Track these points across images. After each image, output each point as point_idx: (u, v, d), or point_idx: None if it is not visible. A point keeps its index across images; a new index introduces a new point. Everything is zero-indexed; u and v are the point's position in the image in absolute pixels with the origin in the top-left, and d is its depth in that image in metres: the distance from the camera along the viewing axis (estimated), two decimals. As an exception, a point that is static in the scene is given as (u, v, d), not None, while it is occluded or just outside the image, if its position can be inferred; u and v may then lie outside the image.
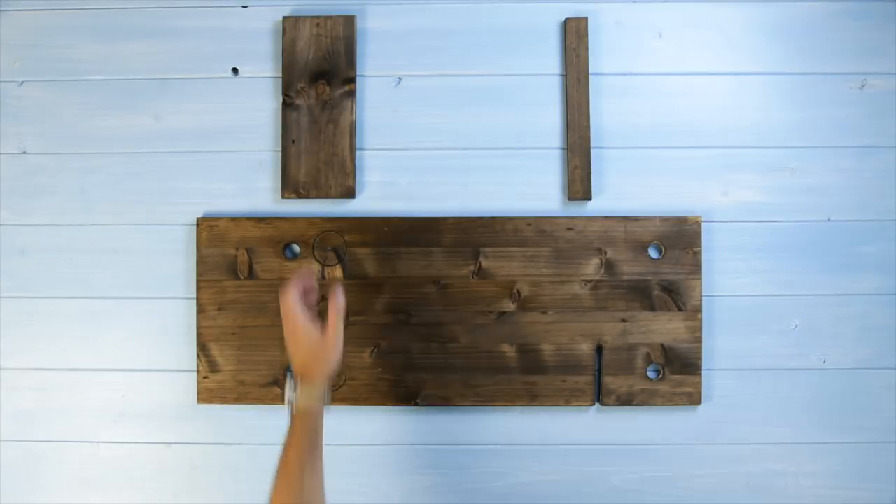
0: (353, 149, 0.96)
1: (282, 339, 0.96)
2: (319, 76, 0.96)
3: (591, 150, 0.97)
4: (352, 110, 0.96)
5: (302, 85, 0.96)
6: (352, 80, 0.96)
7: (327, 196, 0.96)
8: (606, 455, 0.97)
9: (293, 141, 0.96)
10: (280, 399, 0.95)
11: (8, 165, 0.99)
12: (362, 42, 0.98)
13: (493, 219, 0.95)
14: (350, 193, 0.96)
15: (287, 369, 0.94)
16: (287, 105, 0.96)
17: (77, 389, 0.98)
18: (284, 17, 0.96)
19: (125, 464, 0.98)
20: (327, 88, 0.96)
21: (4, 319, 0.99)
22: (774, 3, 0.98)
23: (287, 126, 0.96)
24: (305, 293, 0.81)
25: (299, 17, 0.96)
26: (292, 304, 0.78)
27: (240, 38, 0.98)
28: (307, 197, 0.96)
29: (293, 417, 0.77)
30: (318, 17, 0.96)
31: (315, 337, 0.78)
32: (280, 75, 0.97)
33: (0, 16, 0.99)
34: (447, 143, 0.98)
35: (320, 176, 0.96)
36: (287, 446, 0.76)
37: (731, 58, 0.98)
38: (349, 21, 0.96)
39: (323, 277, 0.95)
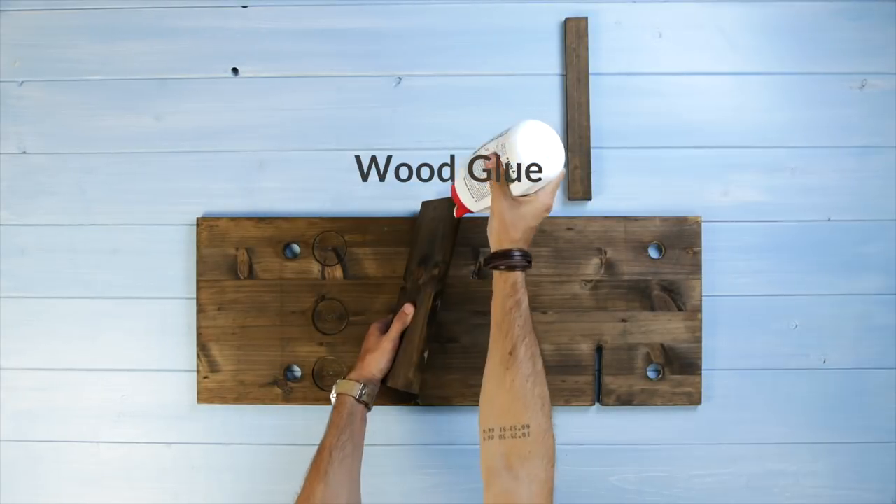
0: None
1: (281, 338, 0.97)
2: None
3: (591, 150, 0.97)
4: None
5: None
6: None
7: None
8: (606, 455, 0.97)
9: None
10: (279, 399, 0.95)
11: (8, 165, 0.99)
12: (364, 41, 0.98)
13: (493, 219, 0.95)
14: None
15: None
16: None
17: (77, 389, 0.98)
18: None
19: (125, 464, 0.98)
20: None
21: (4, 319, 0.99)
22: (775, 3, 0.98)
23: None
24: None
25: None
26: (371, 331, 0.88)
27: (240, 38, 0.98)
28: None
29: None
30: None
31: (369, 343, 0.87)
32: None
33: (0, 16, 0.99)
34: (447, 143, 0.98)
35: None
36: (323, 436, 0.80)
37: (731, 58, 0.98)
38: None
39: (323, 277, 0.95)
